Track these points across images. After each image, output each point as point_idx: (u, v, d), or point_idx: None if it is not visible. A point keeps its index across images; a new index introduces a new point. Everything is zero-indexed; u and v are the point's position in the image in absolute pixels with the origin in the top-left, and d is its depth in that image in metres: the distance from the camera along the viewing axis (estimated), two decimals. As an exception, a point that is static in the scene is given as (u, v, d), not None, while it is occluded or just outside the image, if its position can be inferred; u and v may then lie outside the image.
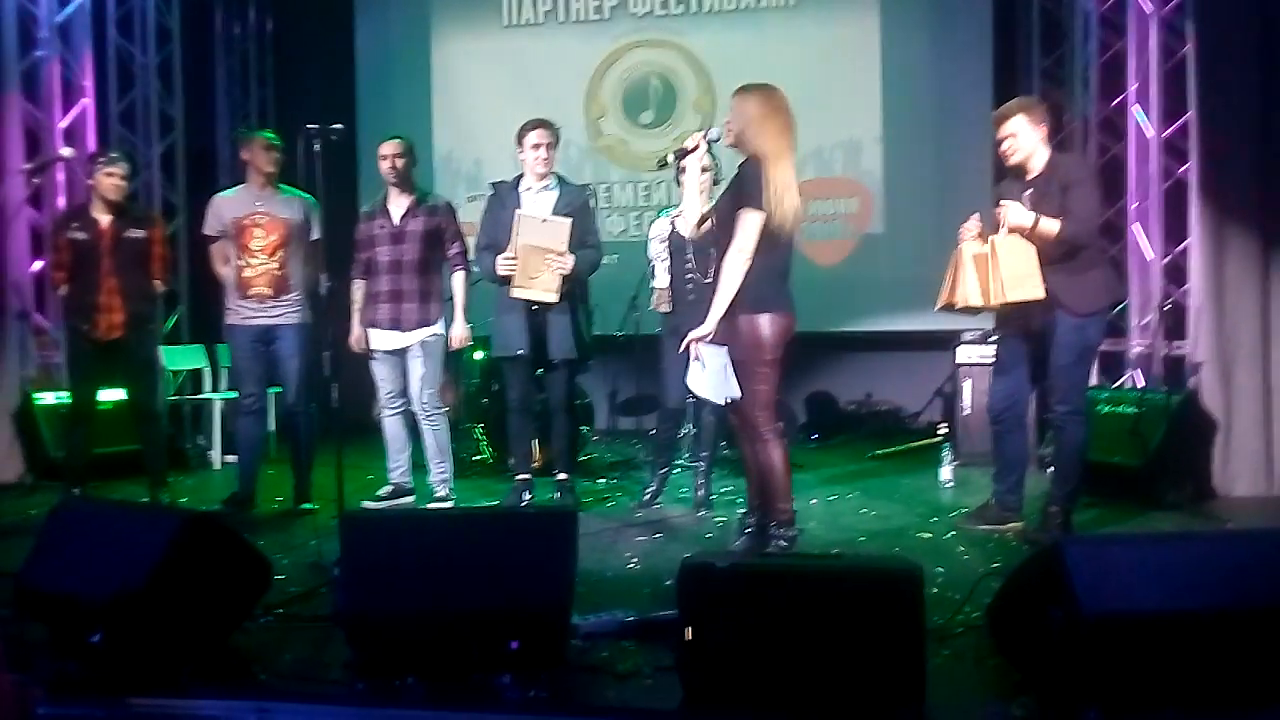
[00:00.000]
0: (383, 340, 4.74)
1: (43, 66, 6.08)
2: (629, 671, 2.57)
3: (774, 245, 3.56)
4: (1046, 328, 3.98)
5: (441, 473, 4.76)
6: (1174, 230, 5.49)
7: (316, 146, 3.94)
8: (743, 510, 4.00)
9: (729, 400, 3.65)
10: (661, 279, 4.79)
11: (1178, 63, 5.37)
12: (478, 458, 6.09)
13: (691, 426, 5.56)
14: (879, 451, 6.52)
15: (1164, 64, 5.49)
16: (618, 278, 6.21)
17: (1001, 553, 3.84)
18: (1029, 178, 4.04)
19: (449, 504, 4.73)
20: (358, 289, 4.83)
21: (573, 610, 2.72)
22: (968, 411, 6.10)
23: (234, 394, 4.98)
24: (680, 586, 2.41)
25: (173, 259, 6.15)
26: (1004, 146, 4.05)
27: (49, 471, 5.55)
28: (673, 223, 4.68)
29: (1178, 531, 4.01)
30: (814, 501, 5.00)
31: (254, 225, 4.67)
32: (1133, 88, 5.80)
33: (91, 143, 6.22)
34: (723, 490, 5.07)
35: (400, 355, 4.74)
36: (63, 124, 6.16)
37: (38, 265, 5.96)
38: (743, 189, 3.55)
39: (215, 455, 6.47)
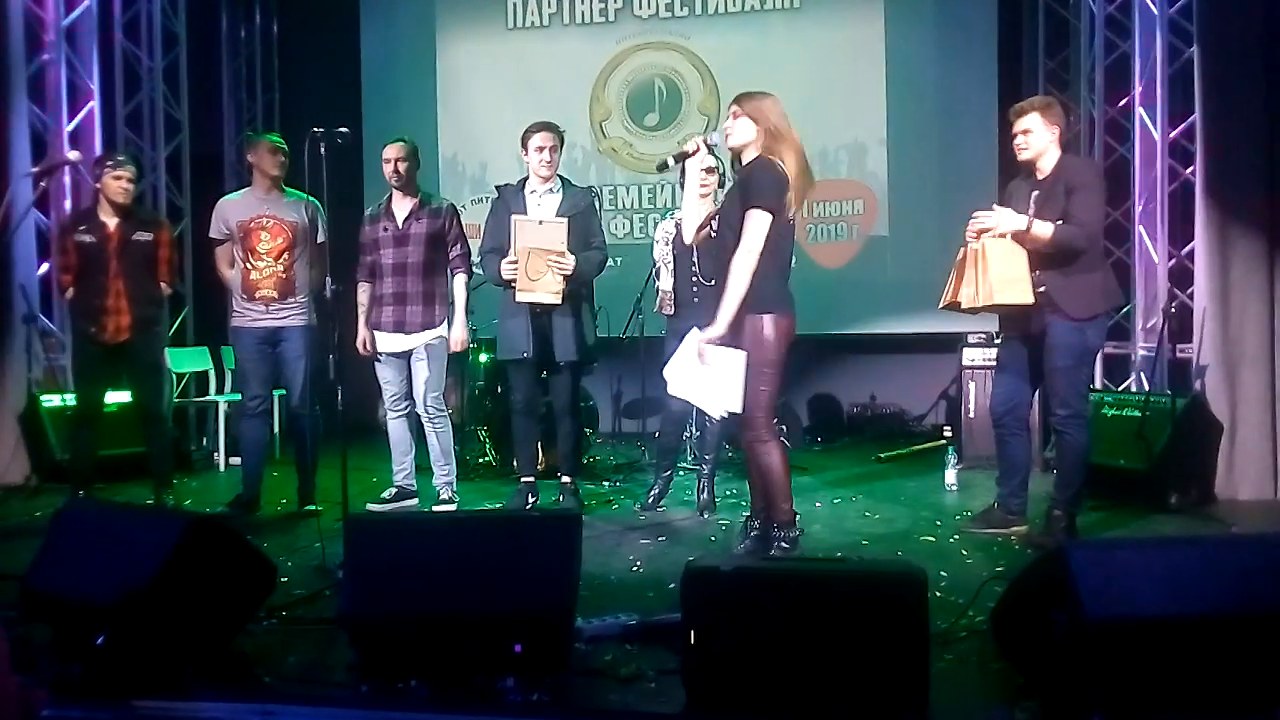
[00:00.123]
0: (387, 343, 4.75)
1: (49, 70, 6.11)
2: (632, 675, 2.57)
3: (778, 245, 3.57)
4: (1045, 331, 3.98)
5: (445, 475, 4.76)
6: (1180, 233, 5.48)
7: (322, 150, 3.96)
8: (746, 514, 4.00)
9: (726, 415, 3.64)
10: (666, 282, 4.79)
11: (1184, 64, 5.36)
12: (482, 460, 6.10)
13: (695, 430, 5.57)
14: (883, 454, 6.50)
15: (1170, 66, 5.47)
16: (622, 280, 6.21)
17: (1005, 557, 3.83)
18: (1039, 178, 4.05)
19: (453, 506, 4.73)
20: (363, 292, 4.84)
21: (576, 613, 2.72)
22: (972, 414, 6.09)
23: (238, 396, 4.99)
24: (684, 590, 2.41)
25: (179, 262, 6.19)
26: (1017, 142, 4.08)
27: (54, 473, 5.58)
28: (677, 225, 4.68)
29: (1182, 535, 3.99)
30: (818, 504, 4.99)
31: (260, 228, 4.68)
32: (1138, 90, 5.78)
33: (97, 146, 6.24)
34: (726, 493, 5.07)
35: (405, 358, 4.75)
36: (69, 127, 6.18)
37: (44, 268, 5.99)
38: (750, 189, 3.56)
39: (220, 457, 6.48)
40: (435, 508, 4.65)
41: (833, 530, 4.44)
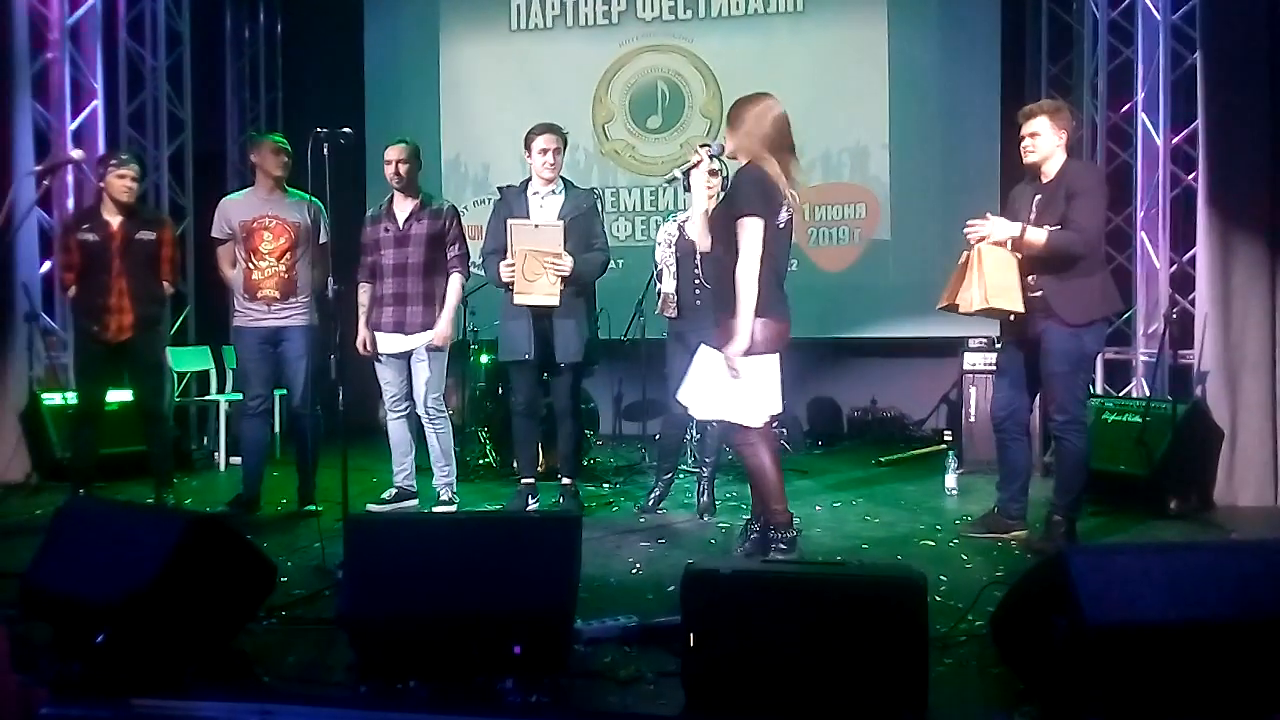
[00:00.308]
0: (387, 343, 4.75)
1: (53, 68, 6.12)
2: (631, 677, 2.57)
3: (773, 250, 3.57)
4: (1042, 336, 3.98)
5: (445, 476, 4.76)
6: (1181, 238, 5.48)
7: (325, 150, 3.97)
8: (746, 517, 4.00)
9: (718, 422, 3.64)
10: (668, 284, 4.79)
11: (1186, 70, 5.36)
12: (482, 461, 6.10)
13: (695, 432, 5.57)
14: (883, 458, 6.50)
15: (1173, 72, 5.47)
16: (624, 282, 6.21)
17: (1005, 561, 3.83)
18: (1043, 181, 4.06)
19: (453, 508, 4.73)
20: (363, 292, 4.84)
21: (575, 615, 2.73)
22: (973, 419, 6.09)
23: (239, 396, 4.99)
24: (684, 592, 2.41)
25: (181, 261, 6.19)
26: (1024, 144, 4.08)
27: (55, 472, 5.58)
28: (680, 227, 4.68)
29: (1182, 541, 4.01)
30: (818, 508, 4.99)
31: (262, 228, 4.68)
32: (1141, 95, 5.79)
33: (100, 145, 6.24)
34: (726, 496, 5.07)
35: (405, 358, 4.75)
36: (72, 126, 6.18)
37: (47, 266, 6.00)
38: (736, 198, 3.58)
39: (220, 457, 6.48)
40: (435, 509, 4.65)
41: (833, 534, 4.44)
